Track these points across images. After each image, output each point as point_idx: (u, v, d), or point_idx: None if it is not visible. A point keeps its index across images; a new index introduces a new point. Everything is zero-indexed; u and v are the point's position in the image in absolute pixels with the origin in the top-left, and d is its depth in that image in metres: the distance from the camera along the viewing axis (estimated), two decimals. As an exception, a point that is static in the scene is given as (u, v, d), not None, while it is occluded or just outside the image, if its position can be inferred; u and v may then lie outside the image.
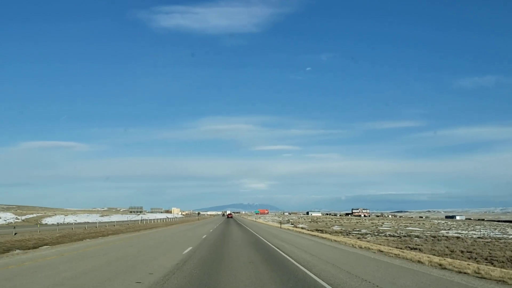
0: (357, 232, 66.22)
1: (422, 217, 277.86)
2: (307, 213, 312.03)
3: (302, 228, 74.48)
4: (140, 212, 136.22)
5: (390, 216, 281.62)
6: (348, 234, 59.02)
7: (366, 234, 62.14)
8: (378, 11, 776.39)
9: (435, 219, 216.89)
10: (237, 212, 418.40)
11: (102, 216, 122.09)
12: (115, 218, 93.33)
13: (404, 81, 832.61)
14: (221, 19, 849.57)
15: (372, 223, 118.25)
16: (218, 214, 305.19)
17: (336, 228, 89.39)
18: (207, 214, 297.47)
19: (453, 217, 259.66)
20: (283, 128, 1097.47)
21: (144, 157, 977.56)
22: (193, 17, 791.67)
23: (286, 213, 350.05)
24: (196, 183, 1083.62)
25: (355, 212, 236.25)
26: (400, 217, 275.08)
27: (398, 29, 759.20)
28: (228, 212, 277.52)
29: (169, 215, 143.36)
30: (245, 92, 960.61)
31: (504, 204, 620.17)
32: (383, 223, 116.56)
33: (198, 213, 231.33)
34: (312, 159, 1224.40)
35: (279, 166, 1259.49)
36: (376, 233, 64.53)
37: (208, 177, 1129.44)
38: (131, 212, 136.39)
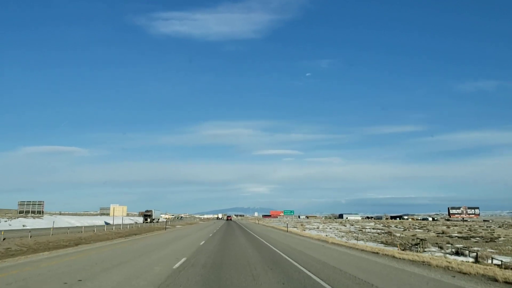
0: None
1: None
2: (340, 216, 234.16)
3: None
4: (39, 213, 61.32)
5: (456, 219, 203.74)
6: None
7: None
8: (378, 18, 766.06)
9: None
10: (241, 215, 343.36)
11: None
12: None
13: (405, 86, 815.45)
14: (221, 26, 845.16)
15: None
16: (222, 218, 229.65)
17: None
18: (203, 218, 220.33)
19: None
20: (284, 133, 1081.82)
21: (145, 162, 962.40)
22: (193, 23, 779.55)
23: (302, 217, 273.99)
24: (196, 187, 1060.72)
25: (454, 214, 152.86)
26: (486, 221, 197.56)
27: (398, 35, 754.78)
28: (221, 216, 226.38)
29: (119, 220, 68.79)
30: (245, 97, 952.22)
31: (510, 207, 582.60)
32: None
33: (146, 219, 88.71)
34: (313, 163, 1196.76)
35: (280, 171, 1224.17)
36: None
37: (209, 182, 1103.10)
38: (20, 212, 61.94)
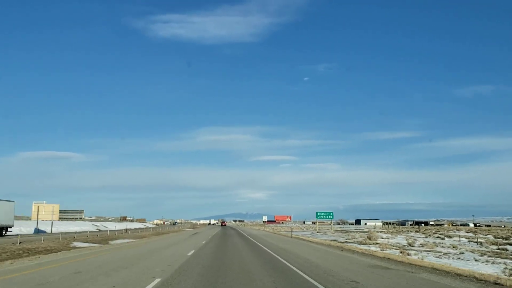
0: None
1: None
2: (357, 222, 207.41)
3: None
4: None
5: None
6: None
7: None
8: (376, 22, 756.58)
9: None
10: (240, 221, 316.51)
11: None
12: None
13: (402, 91, 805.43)
14: (219, 29, 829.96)
15: None
16: (215, 224, 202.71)
17: None
18: (198, 224, 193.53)
19: None
20: (281, 139, 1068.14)
21: (142, 167, 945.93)
22: (190, 26, 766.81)
23: (308, 223, 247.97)
24: (194, 193, 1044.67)
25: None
26: None
27: (396, 39, 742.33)
28: (213, 221, 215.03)
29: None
30: (242, 103, 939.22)
31: (509, 213, 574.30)
32: None
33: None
34: (310, 169, 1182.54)
35: (277, 176, 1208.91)
36: None
37: (206, 188, 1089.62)
38: None
